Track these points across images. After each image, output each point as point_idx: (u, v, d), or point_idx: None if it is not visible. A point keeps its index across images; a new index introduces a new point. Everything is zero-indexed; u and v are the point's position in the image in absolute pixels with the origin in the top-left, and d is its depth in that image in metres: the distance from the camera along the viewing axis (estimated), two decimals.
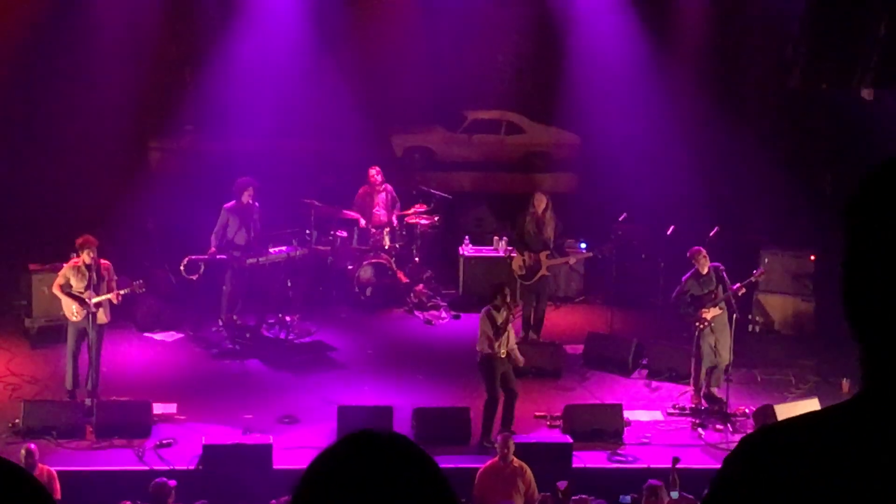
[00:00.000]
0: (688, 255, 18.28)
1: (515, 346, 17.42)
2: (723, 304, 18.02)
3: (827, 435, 2.44)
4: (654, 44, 26.64)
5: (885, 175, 2.51)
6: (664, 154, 25.76)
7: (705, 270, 18.05)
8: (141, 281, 17.95)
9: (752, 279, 18.81)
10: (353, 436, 2.50)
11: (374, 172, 22.57)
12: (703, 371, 18.18)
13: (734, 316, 18.02)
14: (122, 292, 17.46)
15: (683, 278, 18.25)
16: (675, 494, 14.45)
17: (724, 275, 18.10)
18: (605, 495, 14.61)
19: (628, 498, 14.56)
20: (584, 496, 14.23)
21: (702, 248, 18.23)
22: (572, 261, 21.64)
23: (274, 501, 13.98)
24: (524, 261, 20.65)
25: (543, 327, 20.80)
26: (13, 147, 25.50)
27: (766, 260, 21.54)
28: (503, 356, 16.94)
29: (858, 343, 2.49)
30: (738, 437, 16.90)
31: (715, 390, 18.22)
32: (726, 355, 18.08)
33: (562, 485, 14.92)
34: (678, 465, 15.00)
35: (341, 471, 2.45)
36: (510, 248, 21.50)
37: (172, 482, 14.14)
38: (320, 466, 2.47)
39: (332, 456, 2.48)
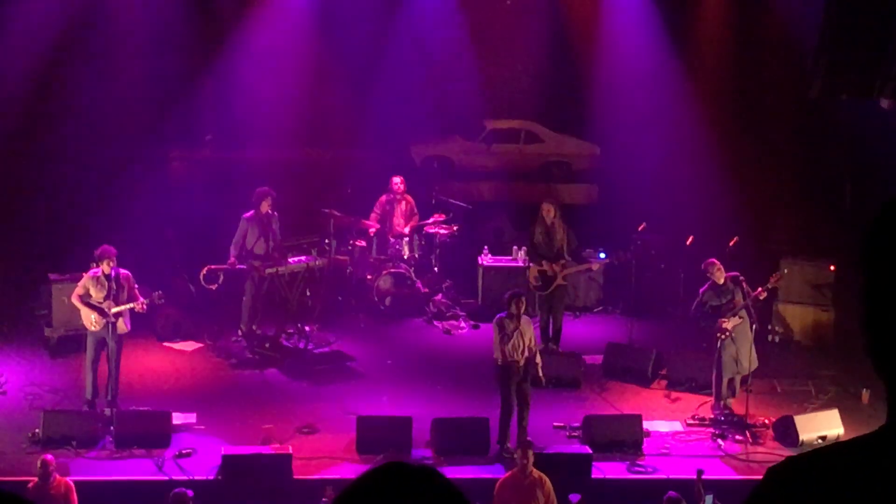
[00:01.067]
0: (702, 267, 18.26)
1: (539, 363, 17.33)
2: (743, 313, 17.97)
3: (851, 467, 2.43)
4: (674, 55, 26.64)
5: None
6: (684, 164, 25.74)
7: (721, 281, 18.01)
8: (160, 292, 17.94)
9: (770, 285, 18.78)
10: (384, 467, 2.50)
11: (398, 181, 22.58)
12: (725, 382, 18.13)
13: (753, 325, 17.98)
14: (144, 301, 17.49)
15: (701, 290, 18.22)
16: (709, 499, 14.44)
17: (744, 283, 18.05)
18: None
19: None
20: None
21: (715, 260, 18.16)
22: (595, 266, 21.58)
23: None
24: (539, 271, 20.61)
25: (562, 337, 20.76)
26: (34, 157, 25.58)
27: (786, 270, 21.51)
28: (522, 364, 16.88)
29: (881, 378, 2.49)
30: (757, 449, 16.95)
31: (731, 401, 18.18)
32: (747, 364, 18.02)
33: (574, 498, 14.88)
34: (702, 477, 14.97)
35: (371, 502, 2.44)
36: (527, 258, 21.46)
37: (189, 492, 14.15)
38: (350, 498, 2.46)
39: (361, 488, 2.47)
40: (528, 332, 17.08)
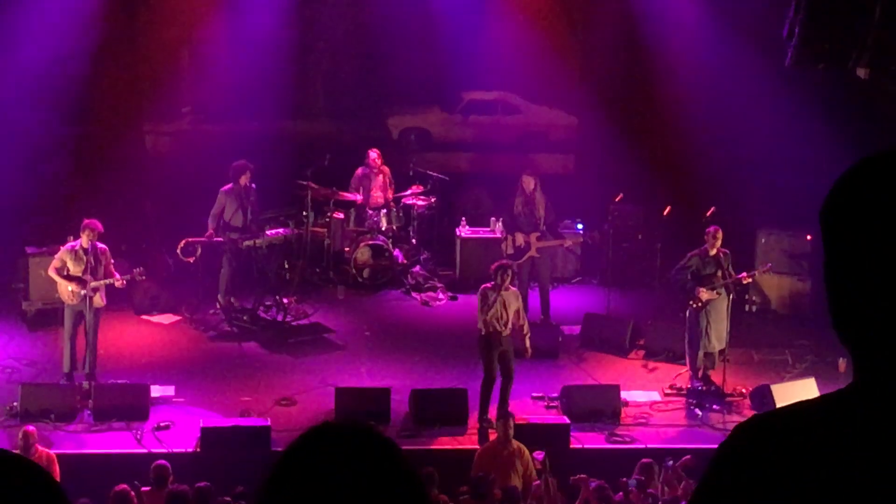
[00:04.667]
0: (706, 230, 18.07)
1: (527, 333, 17.40)
2: (721, 290, 17.96)
3: (821, 424, 2.44)
4: (648, 24, 26.53)
5: (860, 175, 2.50)
6: (661, 134, 25.70)
7: (713, 252, 17.94)
8: (141, 268, 17.91)
9: (758, 273, 18.89)
10: (314, 430, 2.47)
11: (375, 156, 22.51)
12: (701, 353, 18.14)
13: (731, 296, 18.00)
14: (124, 278, 17.48)
15: (689, 254, 18.19)
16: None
17: (729, 262, 18.05)
18: (603, 475, 14.62)
19: (634, 481, 14.50)
20: (583, 476, 14.26)
21: (719, 228, 18.07)
22: (568, 243, 21.62)
23: None
24: (513, 241, 20.64)
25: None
26: (8, 129, 25.41)
27: (763, 240, 21.60)
28: (506, 334, 16.90)
29: (841, 341, 2.51)
30: (734, 418, 17.02)
31: (711, 374, 18.22)
32: (717, 343, 18.03)
33: (539, 455, 14.83)
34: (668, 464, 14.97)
35: (302, 468, 2.42)
36: (504, 229, 21.47)
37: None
38: (282, 465, 2.44)
39: (292, 454, 2.44)
40: (514, 304, 17.07)
